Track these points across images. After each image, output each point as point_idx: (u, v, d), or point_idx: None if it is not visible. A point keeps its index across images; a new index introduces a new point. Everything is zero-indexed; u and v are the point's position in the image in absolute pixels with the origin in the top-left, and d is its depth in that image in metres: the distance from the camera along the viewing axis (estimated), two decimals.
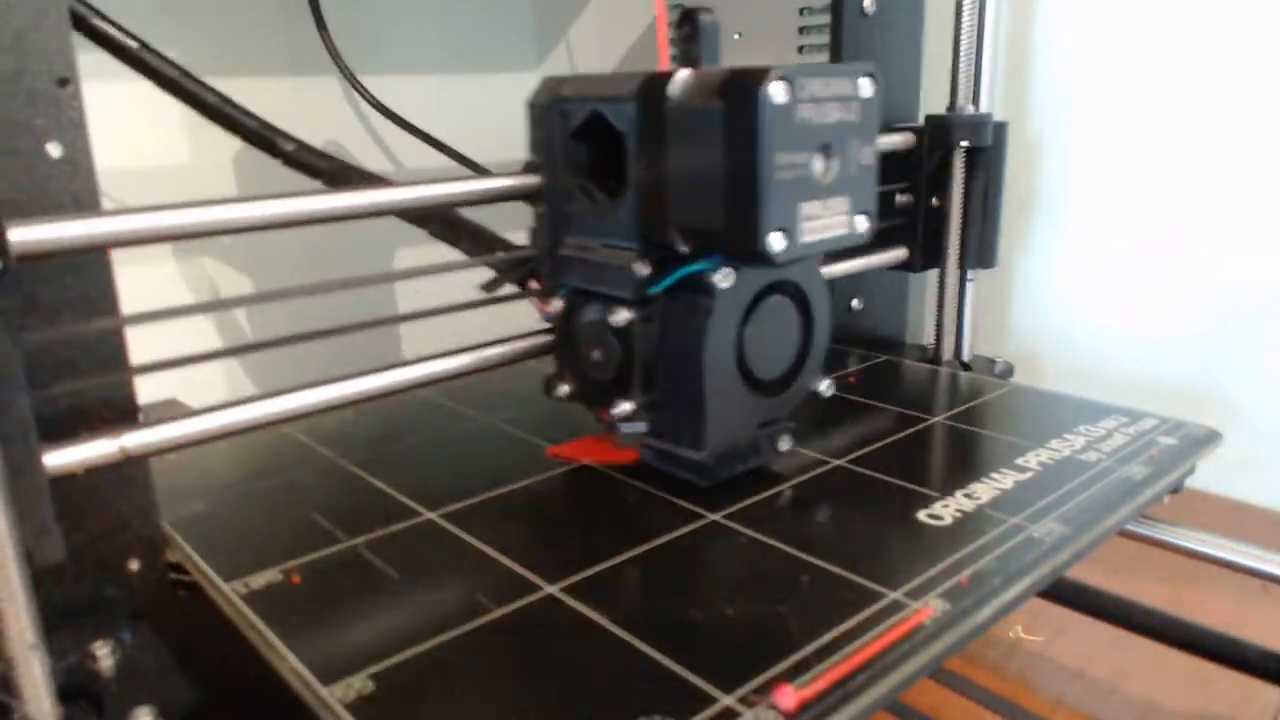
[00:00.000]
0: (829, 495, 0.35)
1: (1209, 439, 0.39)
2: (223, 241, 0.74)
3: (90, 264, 0.29)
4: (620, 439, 0.38)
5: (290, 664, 0.25)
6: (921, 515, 0.33)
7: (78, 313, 0.29)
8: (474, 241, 0.61)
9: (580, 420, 0.42)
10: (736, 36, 0.61)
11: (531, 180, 0.37)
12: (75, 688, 0.27)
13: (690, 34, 0.33)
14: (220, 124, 0.56)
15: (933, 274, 0.57)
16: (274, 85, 0.76)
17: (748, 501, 0.34)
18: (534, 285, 0.39)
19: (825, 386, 0.38)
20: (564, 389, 0.38)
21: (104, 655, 0.29)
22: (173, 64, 0.53)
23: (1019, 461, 0.38)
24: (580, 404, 0.39)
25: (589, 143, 0.36)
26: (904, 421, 0.42)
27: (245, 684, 0.28)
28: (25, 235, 0.25)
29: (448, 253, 0.59)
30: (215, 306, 0.71)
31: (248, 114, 0.56)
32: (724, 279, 0.33)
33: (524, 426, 0.43)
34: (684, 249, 0.34)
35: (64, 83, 0.28)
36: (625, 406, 0.35)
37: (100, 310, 0.29)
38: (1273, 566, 0.37)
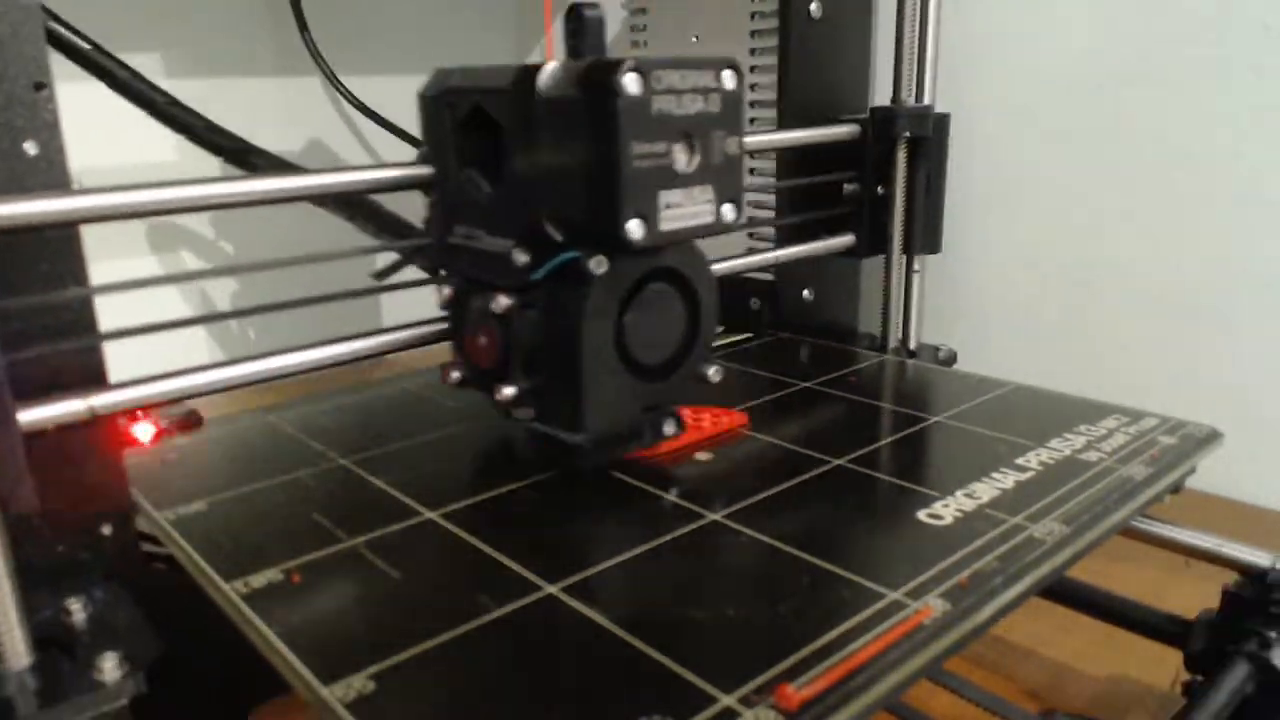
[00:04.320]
0: (829, 495, 0.35)
1: (1210, 438, 0.39)
2: (200, 235, 0.75)
3: (61, 240, 0.32)
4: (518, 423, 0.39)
5: (290, 664, 0.25)
6: (921, 515, 0.33)
7: (51, 284, 0.32)
8: (394, 232, 0.62)
9: None
10: (694, 39, 0.62)
11: (424, 170, 0.39)
12: (50, 639, 0.29)
13: (576, 28, 0.34)
14: (169, 125, 0.58)
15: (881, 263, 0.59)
16: (256, 85, 0.76)
17: (748, 501, 0.34)
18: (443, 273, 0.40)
19: (713, 372, 0.39)
20: (455, 375, 0.39)
21: (77, 610, 0.30)
22: (124, 65, 0.54)
23: (1019, 461, 0.38)
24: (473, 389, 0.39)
25: (474, 133, 0.37)
26: (904, 421, 0.42)
27: (210, 642, 0.30)
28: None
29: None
30: (160, 281, 0.72)
31: (195, 115, 0.58)
32: (598, 266, 0.33)
33: (524, 425, 0.42)
34: (559, 238, 0.34)
35: (40, 87, 0.30)
36: (508, 391, 0.36)
37: (71, 281, 0.32)
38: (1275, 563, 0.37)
